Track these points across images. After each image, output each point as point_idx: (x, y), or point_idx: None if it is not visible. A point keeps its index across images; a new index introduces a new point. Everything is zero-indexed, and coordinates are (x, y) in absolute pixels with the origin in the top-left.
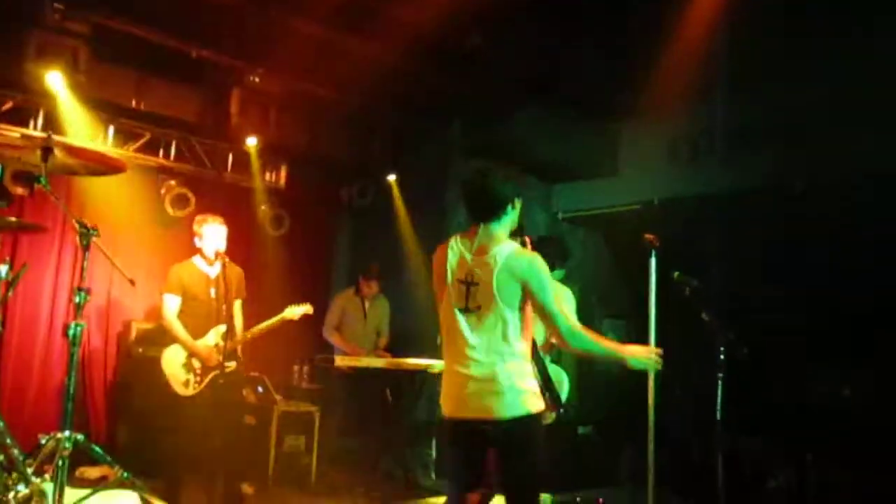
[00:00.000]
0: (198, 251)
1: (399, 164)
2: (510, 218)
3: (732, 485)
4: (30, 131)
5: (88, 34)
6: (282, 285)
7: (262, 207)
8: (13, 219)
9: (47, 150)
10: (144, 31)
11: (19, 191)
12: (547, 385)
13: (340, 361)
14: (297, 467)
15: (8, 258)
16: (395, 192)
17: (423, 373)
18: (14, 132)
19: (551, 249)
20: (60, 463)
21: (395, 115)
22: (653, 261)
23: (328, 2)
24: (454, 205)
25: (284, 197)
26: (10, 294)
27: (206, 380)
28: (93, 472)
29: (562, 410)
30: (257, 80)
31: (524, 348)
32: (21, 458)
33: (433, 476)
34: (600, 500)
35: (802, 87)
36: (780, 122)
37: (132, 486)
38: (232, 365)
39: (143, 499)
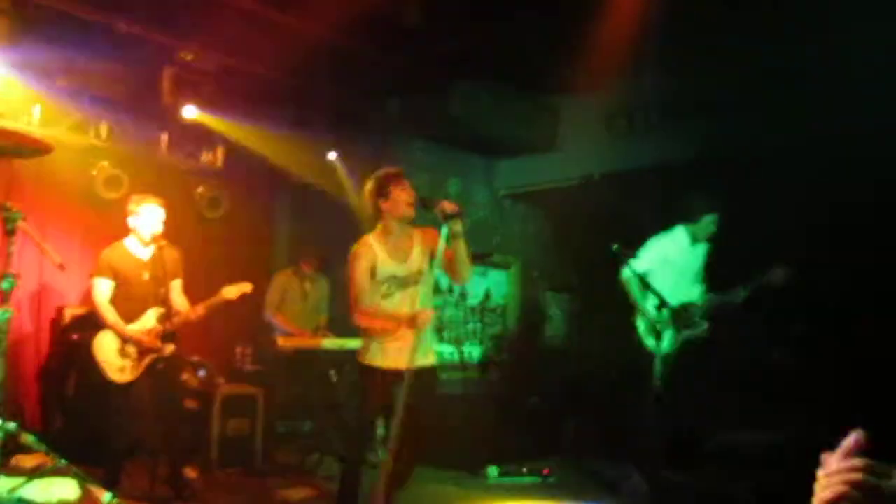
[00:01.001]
0: (131, 232)
1: (339, 143)
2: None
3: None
4: None
5: (9, 8)
6: (221, 268)
7: (199, 189)
8: None
9: None
10: (69, 5)
11: None
12: None
13: (283, 342)
14: (242, 450)
15: None
16: (339, 170)
17: None
18: None
19: None
20: None
21: (333, 93)
22: None
23: None
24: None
25: (222, 177)
26: None
27: (144, 365)
28: (28, 461)
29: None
30: (190, 57)
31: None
32: None
33: (382, 454)
34: (546, 470)
35: (730, 61)
36: (710, 95)
37: (70, 474)
38: (170, 347)
39: (82, 486)
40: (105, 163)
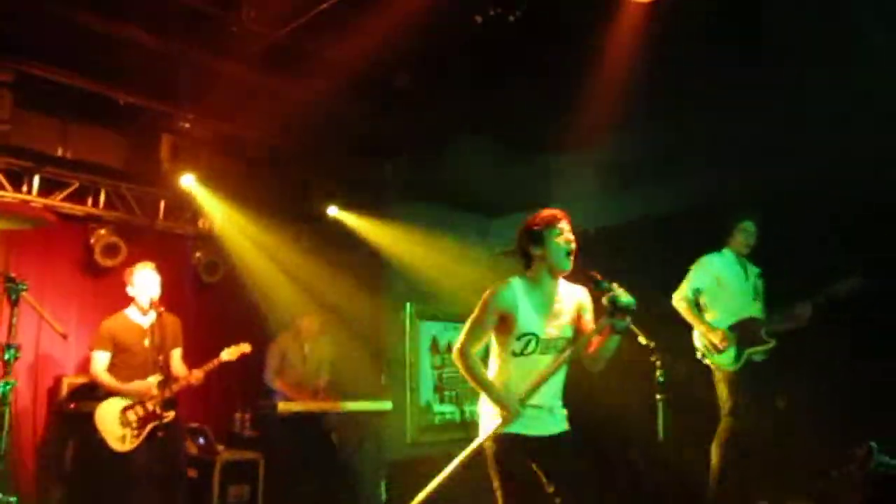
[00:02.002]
0: (131, 301)
1: (336, 204)
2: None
3: None
4: None
5: (11, 81)
6: (219, 333)
7: (197, 254)
8: None
9: None
10: (69, 77)
11: None
12: None
13: (283, 407)
14: None
15: None
16: (343, 222)
17: (366, 414)
18: None
19: None
20: None
21: (329, 157)
22: None
23: (255, 44)
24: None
25: (219, 242)
26: None
27: (145, 433)
28: None
29: None
30: (187, 125)
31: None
32: None
33: None
34: None
35: (720, 113)
36: (701, 147)
37: None
38: (171, 414)
39: None
40: (102, 231)
